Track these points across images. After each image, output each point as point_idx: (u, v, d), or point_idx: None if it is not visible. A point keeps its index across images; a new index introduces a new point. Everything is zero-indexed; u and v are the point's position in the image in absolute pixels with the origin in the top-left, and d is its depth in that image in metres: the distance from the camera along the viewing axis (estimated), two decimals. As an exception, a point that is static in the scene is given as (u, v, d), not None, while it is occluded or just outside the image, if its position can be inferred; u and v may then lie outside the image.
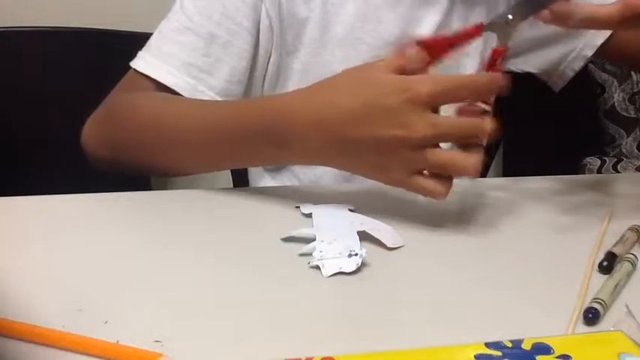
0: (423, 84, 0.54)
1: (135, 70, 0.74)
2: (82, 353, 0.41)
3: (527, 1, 0.52)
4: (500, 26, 0.52)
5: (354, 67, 0.59)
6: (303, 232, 0.56)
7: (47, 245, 0.56)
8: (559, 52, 0.88)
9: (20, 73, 1.12)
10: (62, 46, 1.14)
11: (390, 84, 0.55)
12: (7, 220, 0.60)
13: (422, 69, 0.56)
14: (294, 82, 0.80)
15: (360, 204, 0.63)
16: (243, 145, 0.64)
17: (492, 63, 0.55)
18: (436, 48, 0.55)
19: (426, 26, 0.80)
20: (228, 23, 0.73)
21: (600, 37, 0.85)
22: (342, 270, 0.51)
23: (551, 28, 0.86)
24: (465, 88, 0.56)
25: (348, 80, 0.58)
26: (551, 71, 0.90)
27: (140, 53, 0.74)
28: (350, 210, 0.61)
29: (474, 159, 0.55)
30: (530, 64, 0.90)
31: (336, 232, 0.55)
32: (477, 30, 0.52)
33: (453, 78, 0.57)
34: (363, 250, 0.52)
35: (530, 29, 0.88)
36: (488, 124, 0.55)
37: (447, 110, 0.55)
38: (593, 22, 0.57)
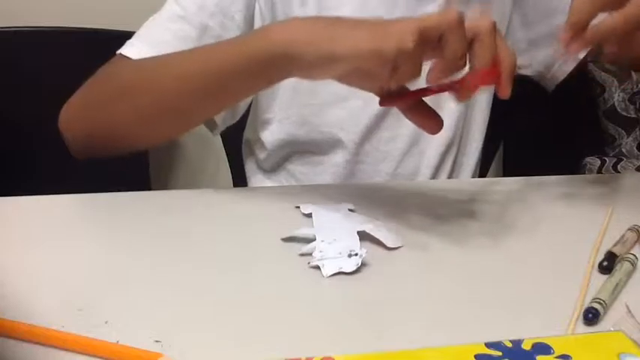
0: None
1: (121, 55, 0.71)
2: (82, 353, 0.41)
3: None
4: None
5: None
6: (304, 232, 0.56)
7: (47, 245, 0.56)
8: (550, 54, 0.88)
9: (20, 73, 1.12)
10: (62, 46, 1.14)
11: None
12: (7, 220, 0.60)
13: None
14: (290, 82, 0.79)
15: (360, 204, 0.63)
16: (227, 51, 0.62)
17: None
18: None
19: None
20: (221, 16, 0.73)
21: None
22: (342, 270, 0.51)
23: (544, 30, 0.87)
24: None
25: None
26: (544, 73, 0.90)
27: (128, 42, 0.72)
28: (350, 210, 0.61)
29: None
30: (523, 66, 0.90)
31: (336, 232, 0.55)
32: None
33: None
34: (363, 250, 0.52)
35: (523, 31, 0.88)
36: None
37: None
38: None
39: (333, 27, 0.56)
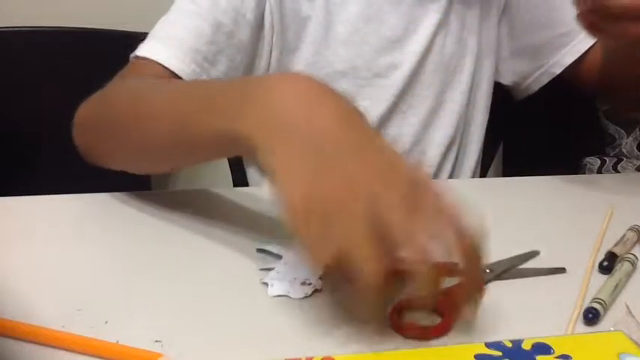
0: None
1: (137, 57, 0.71)
2: (82, 353, 0.41)
3: (501, 264, 0.53)
4: None
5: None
6: (274, 248, 0.54)
7: (47, 245, 0.56)
8: (529, 66, 0.89)
9: (20, 73, 1.12)
10: (62, 46, 1.14)
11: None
12: (7, 220, 0.60)
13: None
14: None
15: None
16: (198, 104, 0.54)
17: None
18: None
19: (427, 25, 0.80)
20: (233, 13, 0.73)
21: (570, 56, 0.86)
22: (288, 295, 0.49)
23: (527, 43, 0.87)
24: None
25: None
26: (519, 83, 0.90)
27: (142, 44, 0.72)
28: None
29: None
30: (500, 73, 0.91)
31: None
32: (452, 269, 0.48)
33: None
34: (319, 281, 0.50)
35: (509, 40, 0.88)
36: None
37: None
38: None
39: (310, 158, 0.43)
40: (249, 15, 0.74)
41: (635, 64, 0.78)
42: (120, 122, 0.63)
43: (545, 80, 0.89)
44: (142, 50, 0.71)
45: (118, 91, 0.69)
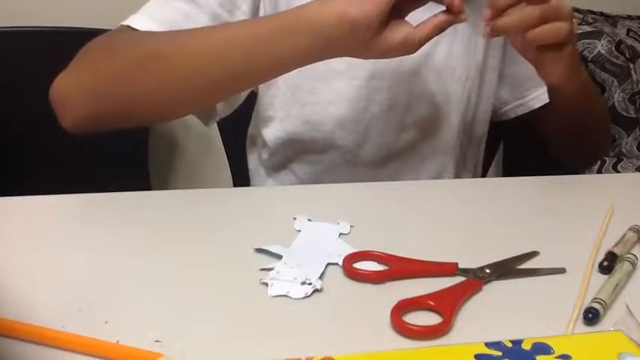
0: None
1: (128, 27, 0.70)
2: (82, 353, 0.41)
3: (502, 264, 0.54)
4: (473, 271, 0.52)
5: None
6: (274, 249, 0.54)
7: (47, 245, 0.56)
8: (510, 95, 0.89)
9: (20, 73, 1.12)
10: (62, 46, 1.13)
11: None
12: (7, 220, 0.60)
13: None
14: (292, 80, 0.79)
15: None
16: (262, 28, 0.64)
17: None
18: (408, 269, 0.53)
19: None
20: (230, 5, 0.73)
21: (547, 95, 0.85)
22: (288, 295, 0.49)
23: (513, 72, 0.87)
24: None
25: None
26: (498, 107, 0.90)
27: (133, 16, 0.71)
28: (343, 233, 0.59)
29: None
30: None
31: (303, 259, 0.53)
32: (452, 269, 0.52)
33: None
34: (319, 281, 0.51)
35: (500, 63, 0.87)
36: None
37: None
38: None
39: None
40: (245, 7, 0.74)
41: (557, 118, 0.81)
42: (167, 48, 0.66)
43: (521, 112, 0.89)
44: (137, 23, 0.69)
45: (133, 37, 0.68)
